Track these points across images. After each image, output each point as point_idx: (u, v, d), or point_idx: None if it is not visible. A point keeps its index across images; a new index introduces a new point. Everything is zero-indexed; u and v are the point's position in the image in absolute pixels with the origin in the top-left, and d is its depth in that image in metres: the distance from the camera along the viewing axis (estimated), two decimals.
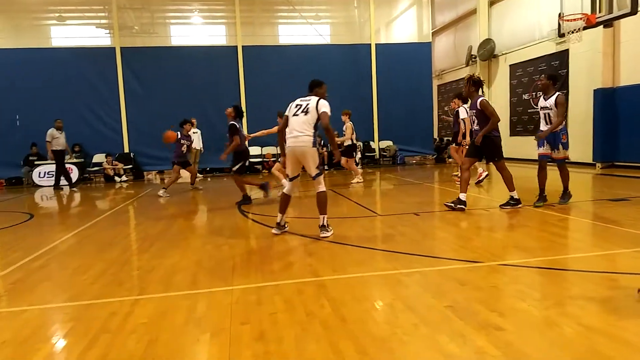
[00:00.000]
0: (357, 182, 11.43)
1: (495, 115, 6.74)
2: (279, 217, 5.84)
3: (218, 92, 16.41)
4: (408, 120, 17.50)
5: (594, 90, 12.37)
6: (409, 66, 17.40)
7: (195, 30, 20.67)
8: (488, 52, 17.22)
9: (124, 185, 14.38)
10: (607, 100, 12.12)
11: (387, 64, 17.35)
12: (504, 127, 14.75)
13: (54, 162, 13.62)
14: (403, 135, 17.55)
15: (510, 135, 16.04)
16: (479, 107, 6.82)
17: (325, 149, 16.63)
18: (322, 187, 5.61)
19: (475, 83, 7.08)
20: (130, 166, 15.98)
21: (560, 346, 2.59)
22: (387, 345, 2.70)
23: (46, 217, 8.78)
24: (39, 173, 14.75)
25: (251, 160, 16.69)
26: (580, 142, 13.17)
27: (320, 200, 5.58)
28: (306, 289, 3.73)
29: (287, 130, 5.63)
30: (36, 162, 14.87)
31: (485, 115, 6.79)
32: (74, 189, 13.53)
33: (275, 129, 9.54)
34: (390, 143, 17.66)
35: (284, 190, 5.85)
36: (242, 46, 16.64)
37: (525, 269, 4.07)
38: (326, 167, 16.43)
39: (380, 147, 17.72)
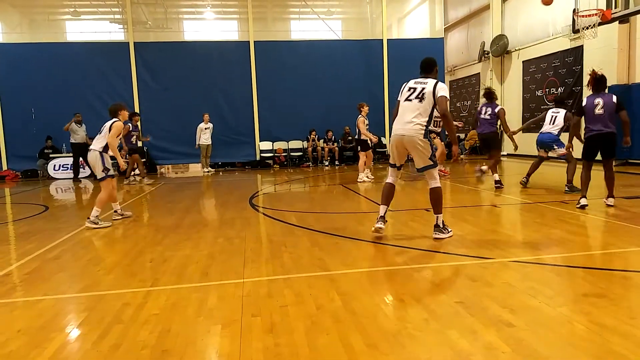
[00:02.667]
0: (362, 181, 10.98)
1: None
2: (382, 209, 5.21)
3: (230, 87, 16.49)
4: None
5: (609, 86, 12.19)
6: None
7: (207, 26, 20.77)
8: (501, 48, 17.06)
9: (137, 178, 14.50)
10: (622, 97, 11.88)
11: (399, 59, 17.25)
12: (516, 123, 14.61)
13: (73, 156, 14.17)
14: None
15: (523, 132, 15.88)
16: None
17: (336, 144, 16.65)
18: (436, 183, 4.99)
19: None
20: (143, 160, 16.09)
21: (572, 344, 2.58)
22: (397, 339, 2.70)
23: (60, 209, 8.90)
24: (54, 166, 14.96)
25: (262, 155, 16.79)
26: None
27: (433, 197, 4.99)
28: (316, 283, 3.75)
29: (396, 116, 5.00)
30: (51, 155, 15.07)
31: None
32: (80, 182, 13.73)
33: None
34: None
35: (388, 180, 5.24)
36: (254, 41, 16.65)
37: (537, 265, 4.05)
38: (337, 163, 16.44)
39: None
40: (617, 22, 11.30)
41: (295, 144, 17.10)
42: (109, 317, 3.18)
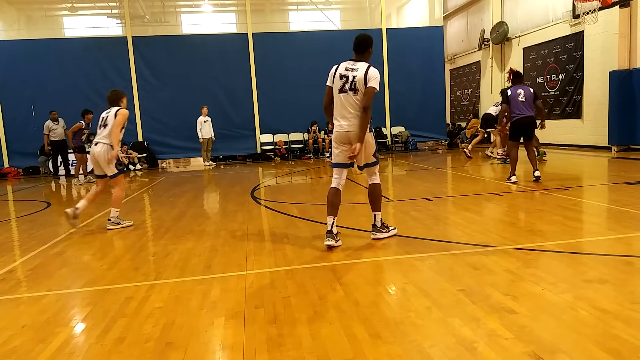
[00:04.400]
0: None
1: None
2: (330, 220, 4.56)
3: (229, 80, 16.44)
4: (420, 106, 17.36)
5: (610, 72, 12.13)
6: (420, 51, 17.21)
7: (205, 19, 20.67)
8: (501, 35, 16.96)
9: (139, 173, 14.52)
10: (624, 83, 11.88)
11: (398, 49, 17.18)
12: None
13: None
14: (415, 120, 17.43)
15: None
16: None
17: (327, 135, 16.59)
18: (376, 179, 4.77)
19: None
20: (144, 155, 16.12)
21: (575, 329, 2.58)
22: (400, 328, 2.71)
23: (63, 206, 8.91)
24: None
25: (263, 147, 16.78)
26: (595, 125, 12.99)
27: (373, 194, 4.73)
28: (319, 274, 3.76)
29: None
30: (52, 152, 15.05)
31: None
32: (59, 179, 13.77)
33: None
34: (402, 129, 17.55)
35: (334, 185, 4.68)
36: (253, 33, 16.57)
37: (539, 252, 4.05)
38: (327, 155, 16.42)
39: (392, 133, 17.63)
40: (618, 6, 11.21)
41: (296, 136, 17.08)
42: (112, 311, 3.19)
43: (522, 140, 7.90)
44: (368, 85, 4.30)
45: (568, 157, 11.80)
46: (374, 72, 4.34)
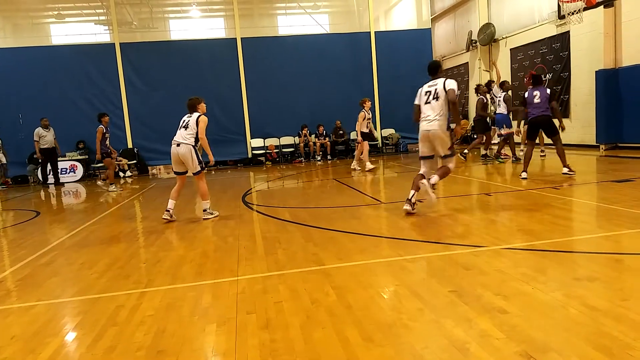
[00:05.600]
0: (356, 170, 11.84)
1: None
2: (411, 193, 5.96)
3: (219, 85, 16.41)
4: (410, 108, 17.16)
5: (596, 71, 12.24)
6: (409, 53, 17.30)
7: (194, 24, 20.60)
8: (488, 36, 17.08)
9: (129, 180, 14.43)
10: (610, 82, 12.00)
11: (387, 51, 17.26)
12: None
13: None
14: (405, 122, 17.47)
15: (513, 120, 15.96)
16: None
17: (328, 139, 16.64)
18: (453, 165, 6.06)
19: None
20: (134, 161, 16.02)
21: (566, 328, 2.60)
22: (392, 331, 2.71)
23: (52, 214, 8.84)
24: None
25: (254, 152, 16.76)
26: (583, 124, 13.10)
27: (443, 172, 5.99)
28: (311, 278, 3.75)
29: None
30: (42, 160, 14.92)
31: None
32: (48, 188, 13.64)
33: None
34: (392, 131, 17.61)
35: (421, 172, 6.06)
36: (242, 38, 16.58)
37: (529, 252, 4.08)
38: (329, 157, 16.44)
39: (383, 135, 17.68)
40: (602, 6, 11.34)
41: (287, 140, 17.08)
42: (103, 320, 3.17)
43: (537, 140, 8.58)
44: (447, 89, 5.81)
45: (557, 156, 11.88)
46: (450, 81, 5.91)
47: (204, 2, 19.58)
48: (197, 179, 6.70)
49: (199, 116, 6.65)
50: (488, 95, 11.77)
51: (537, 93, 8.03)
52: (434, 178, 5.83)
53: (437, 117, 5.81)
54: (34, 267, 4.73)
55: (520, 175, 8.09)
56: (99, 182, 12.13)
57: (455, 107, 5.87)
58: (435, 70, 6.11)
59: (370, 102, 11.80)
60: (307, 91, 16.84)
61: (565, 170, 8.01)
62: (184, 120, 6.69)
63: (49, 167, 13.93)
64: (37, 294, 3.87)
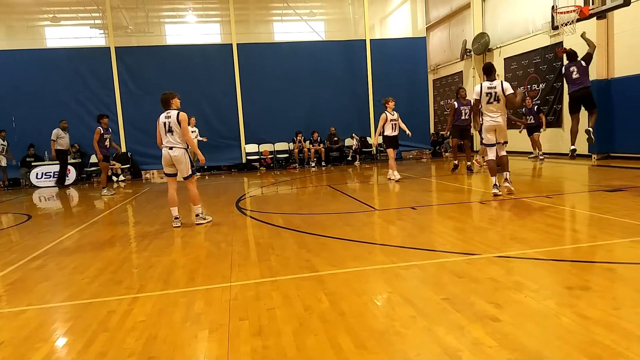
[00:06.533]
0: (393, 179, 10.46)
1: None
2: (496, 179, 7.36)
3: (214, 90, 16.41)
4: (404, 115, 17.21)
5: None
6: (404, 61, 17.39)
7: (189, 29, 20.63)
8: (482, 45, 17.22)
9: (122, 184, 14.37)
10: (602, 92, 12.11)
11: (382, 59, 17.34)
12: None
13: (55, 161, 14.12)
14: (400, 130, 17.52)
15: (507, 128, 16.05)
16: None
17: (322, 145, 16.65)
18: (504, 151, 7.54)
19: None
20: (127, 165, 15.96)
21: (558, 336, 2.60)
22: (385, 338, 2.71)
23: (44, 218, 8.77)
24: (37, 174, 14.74)
25: (248, 157, 16.75)
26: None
27: (504, 162, 7.51)
28: (304, 284, 3.74)
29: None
30: (34, 164, 14.86)
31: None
32: (68, 188, 13.63)
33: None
34: None
35: (491, 157, 7.46)
36: (237, 44, 16.59)
37: (522, 260, 4.09)
38: (323, 163, 16.44)
39: (378, 142, 17.68)
40: (595, 18, 11.45)
41: (281, 145, 17.08)
42: (94, 325, 3.14)
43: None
44: (506, 94, 7.22)
45: (550, 165, 11.97)
46: (506, 84, 7.28)
47: (200, 7, 19.63)
48: (188, 183, 6.69)
49: (178, 115, 6.49)
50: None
51: (574, 68, 8.30)
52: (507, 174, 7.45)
53: (501, 114, 7.34)
54: (24, 271, 4.69)
55: (571, 150, 8.60)
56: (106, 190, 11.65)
57: (515, 102, 7.31)
58: (489, 71, 7.36)
59: (394, 102, 10.71)
60: (302, 97, 16.87)
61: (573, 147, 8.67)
62: (165, 123, 6.53)
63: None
64: (27, 298, 3.83)
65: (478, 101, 7.44)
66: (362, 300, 3.36)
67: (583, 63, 8.42)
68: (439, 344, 2.58)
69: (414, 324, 2.87)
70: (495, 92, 7.22)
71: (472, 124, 10.85)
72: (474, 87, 8.94)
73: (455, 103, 11.25)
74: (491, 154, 7.45)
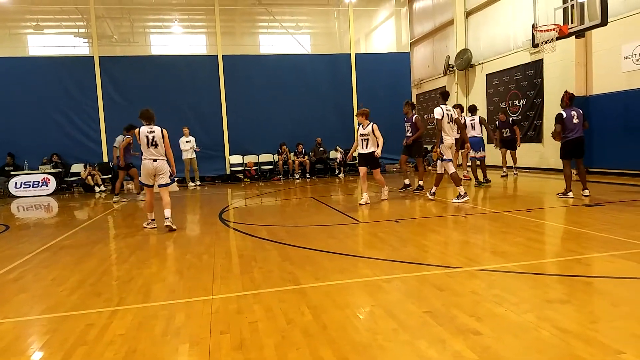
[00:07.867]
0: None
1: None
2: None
3: (199, 101, 16.36)
4: (388, 129, 17.38)
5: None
6: (388, 75, 17.58)
7: (175, 40, 20.61)
8: (465, 61, 17.52)
9: (103, 195, 14.18)
10: (581, 109, 12.36)
11: (366, 73, 17.51)
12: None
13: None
14: (383, 143, 17.65)
15: (488, 143, 16.29)
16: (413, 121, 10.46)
17: (307, 157, 16.67)
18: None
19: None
20: (109, 176, 15.75)
21: (537, 349, 2.64)
22: (367, 351, 2.71)
23: (23, 229, 8.60)
24: (15, 183, 14.45)
25: (233, 168, 16.69)
26: (555, 149, 13.38)
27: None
28: (287, 297, 3.73)
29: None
30: (12, 173, 14.58)
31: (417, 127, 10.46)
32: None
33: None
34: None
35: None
36: (223, 55, 16.61)
37: (502, 273, 4.14)
38: (308, 175, 16.45)
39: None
40: (574, 36, 11.76)
41: (266, 157, 17.06)
42: (72, 339, 3.08)
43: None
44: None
45: (530, 180, 12.16)
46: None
47: (186, 18, 19.66)
48: (166, 190, 7.15)
49: (162, 131, 7.09)
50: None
51: (574, 114, 8.23)
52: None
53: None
54: (1, 283, 4.59)
55: (566, 195, 8.28)
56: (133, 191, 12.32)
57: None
58: (445, 96, 8.93)
59: (363, 116, 10.40)
60: (286, 109, 16.91)
61: (587, 192, 8.34)
62: (148, 137, 7.01)
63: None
64: (3, 310, 3.75)
65: (440, 121, 8.49)
66: (344, 313, 3.36)
67: (580, 111, 8.30)
68: (420, 357, 2.60)
69: (396, 337, 2.87)
70: (451, 114, 8.81)
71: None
72: (457, 102, 9.28)
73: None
74: (452, 167, 8.64)
